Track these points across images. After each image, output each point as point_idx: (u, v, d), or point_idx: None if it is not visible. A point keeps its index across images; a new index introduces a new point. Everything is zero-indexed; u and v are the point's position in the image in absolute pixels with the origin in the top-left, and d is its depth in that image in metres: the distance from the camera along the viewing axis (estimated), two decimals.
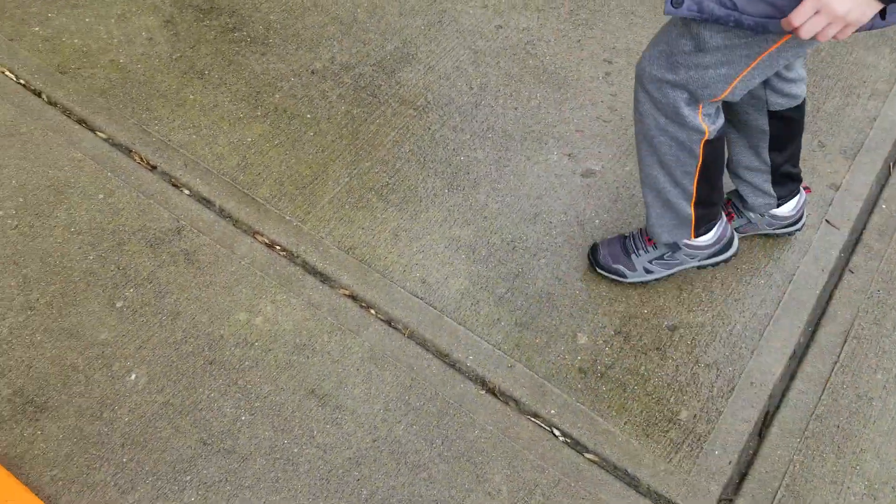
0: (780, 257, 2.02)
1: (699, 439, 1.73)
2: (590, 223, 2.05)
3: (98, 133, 2.11)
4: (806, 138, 2.20)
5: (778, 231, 1.99)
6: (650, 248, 1.89)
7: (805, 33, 1.25)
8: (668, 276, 1.94)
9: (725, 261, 1.91)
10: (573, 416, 1.75)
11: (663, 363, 1.84)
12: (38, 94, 2.17)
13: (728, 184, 2.11)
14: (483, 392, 1.76)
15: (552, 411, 1.75)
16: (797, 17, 1.23)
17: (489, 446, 1.69)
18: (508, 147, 2.19)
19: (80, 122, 2.13)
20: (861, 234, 2.08)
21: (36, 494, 1.55)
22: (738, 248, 1.93)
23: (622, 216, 2.07)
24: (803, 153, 1.95)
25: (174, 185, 2.04)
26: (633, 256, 1.91)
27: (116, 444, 1.64)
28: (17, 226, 1.92)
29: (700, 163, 1.65)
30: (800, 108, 1.74)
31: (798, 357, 1.88)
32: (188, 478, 1.61)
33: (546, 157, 2.17)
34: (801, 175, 1.90)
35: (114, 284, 1.85)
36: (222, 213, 2.00)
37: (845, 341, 1.89)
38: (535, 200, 2.09)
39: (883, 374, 1.84)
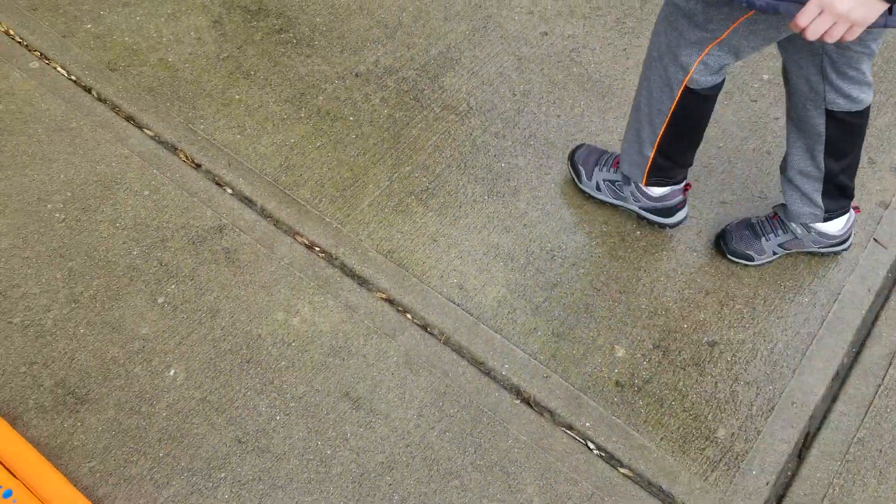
0: (826, 275, 1.97)
1: (737, 458, 1.70)
2: (630, 234, 2.03)
3: (145, 130, 2.14)
4: None
5: (824, 250, 1.95)
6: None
7: (812, 34, 1.24)
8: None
9: (663, 225, 2.00)
10: (608, 429, 1.73)
11: (702, 379, 1.81)
12: (89, 91, 2.21)
13: (771, 196, 2.07)
14: (518, 402, 1.75)
15: (587, 424, 1.73)
16: (803, 18, 1.23)
17: (522, 457, 1.68)
18: (550, 155, 2.17)
19: (129, 119, 2.16)
20: None
21: (74, 485, 1.58)
22: (680, 221, 2.00)
23: (663, 228, 2.05)
24: None
25: (217, 183, 2.06)
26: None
27: (153, 439, 1.66)
28: (64, 219, 1.96)
29: (673, 107, 1.68)
30: (861, 115, 1.68)
31: (841, 378, 1.84)
32: (222, 475, 1.63)
33: None
34: (854, 192, 1.85)
35: (156, 280, 1.88)
36: (263, 212, 2.02)
37: (890, 363, 1.84)
38: (575, 209, 2.07)
39: None
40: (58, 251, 1.90)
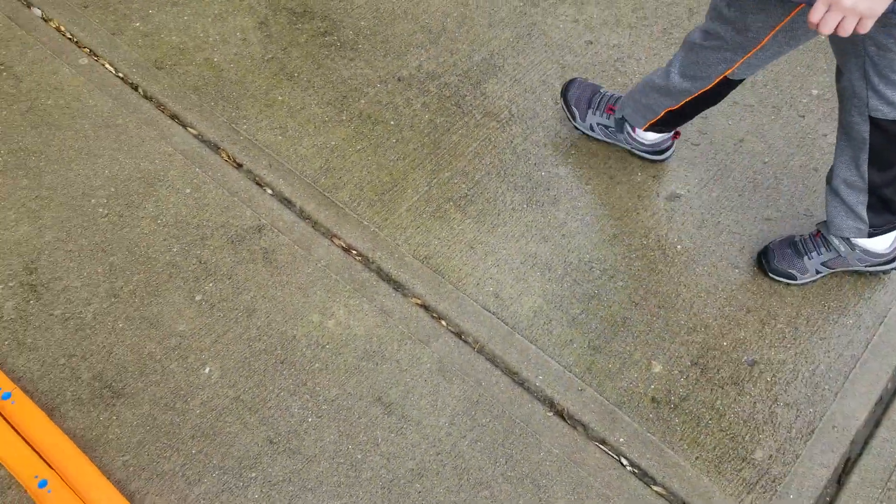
0: (872, 297, 1.92)
1: (774, 481, 1.66)
2: (671, 248, 2.00)
3: (189, 129, 2.17)
4: None
5: (870, 269, 1.90)
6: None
7: (826, 28, 1.29)
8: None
9: (652, 161, 2.14)
10: (642, 445, 1.70)
11: (740, 399, 1.78)
12: (135, 88, 2.24)
13: (817, 214, 2.02)
14: (551, 414, 1.73)
15: (621, 439, 1.70)
16: (813, 15, 1.28)
17: (554, 470, 1.66)
18: (592, 165, 2.15)
19: (173, 117, 2.19)
20: None
21: (107, 478, 1.59)
22: (666, 158, 2.13)
23: (706, 243, 2.01)
24: None
25: (258, 183, 2.07)
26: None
27: (187, 436, 1.67)
28: (107, 214, 1.98)
29: (704, 91, 1.77)
30: None
31: (884, 403, 1.78)
32: (253, 474, 1.63)
33: (630, 178, 2.13)
34: None
35: (194, 278, 1.89)
36: (302, 214, 2.03)
37: None
38: (615, 221, 2.05)
39: None
40: (100, 246, 1.93)
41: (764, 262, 1.95)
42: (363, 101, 2.27)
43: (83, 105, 2.18)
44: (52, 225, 1.95)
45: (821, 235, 1.89)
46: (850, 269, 1.91)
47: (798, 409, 1.77)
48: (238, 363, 1.77)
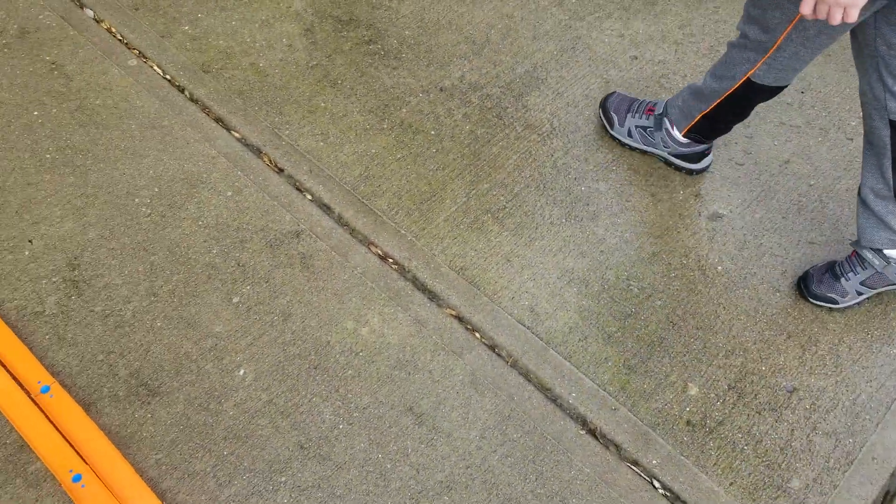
0: None
1: None
2: (711, 269, 1.97)
3: (233, 132, 2.19)
4: None
5: None
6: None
7: (820, 14, 1.35)
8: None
9: (690, 171, 2.12)
10: (676, 469, 1.67)
11: (778, 426, 1.74)
12: (182, 91, 2.28)
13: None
14: (583, 432, 1.71)
15: (654, 461, 1.68)
16: (804, 7, 1.36)
17: (584, 489, 1.64)
18: (633, 181, 2.13)
19: (218, 120, 2.21)
20: None
21: (140, 476, 1.61)
22: (706, 167, 2.12)
23: (748, 265, 1.98)
24: None
25: (298, 189, 2.09)
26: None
27: (219, 437, 1.68)
28: (150, 214, 2.01)
29: (731, 92, 1.81)
30: None
31: None
32: (283, 479, 1.64)
33: (671, 196, 2.10)
34: None
35: (232, 280, 1.91)
36: (340, 220, 2.04)
37: None
38: (655, 239, 2.02)
39: None
40: (142, 245, 1.96)
41: (803, 286, 1.91)
42: (405, 110, 2.28)
43: (131, 105, 2.22)
44: (96, 222, 1.98)
45: (856, 254, 1.86)
46: (890, 287, 1.86)
47: (837, 439, 1.73)
48: (272, 367, 1.78)
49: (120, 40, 2.38)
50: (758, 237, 2.03)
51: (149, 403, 1.72)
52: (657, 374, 1.80)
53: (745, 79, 1.76)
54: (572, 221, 2.06)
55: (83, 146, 2.12)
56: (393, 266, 1.96)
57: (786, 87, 1.77)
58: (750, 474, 1.67)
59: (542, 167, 2.16)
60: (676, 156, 2.11)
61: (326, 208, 2.06)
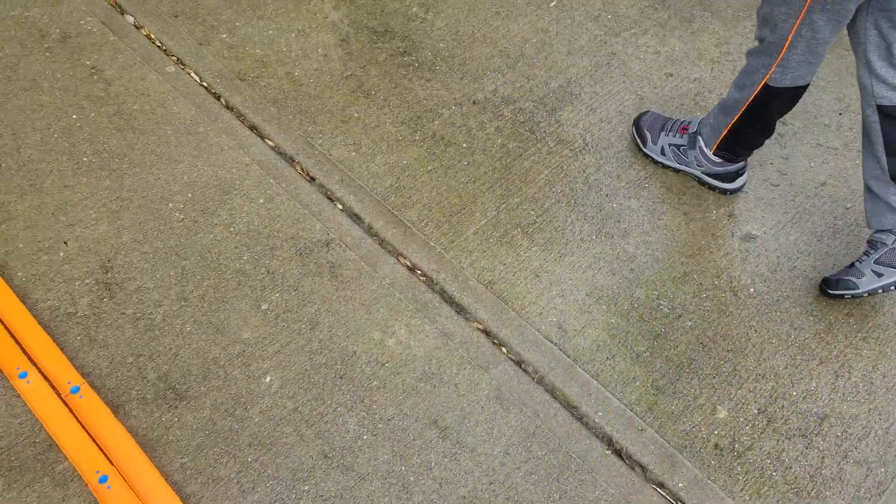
0: None
1: None
2: (743, 291, 1.94)
3: (267, 140, 2.21)
4: None
5: None
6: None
7: None
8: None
9: (724, 191, 2.10)
10: (702, 492, 1.64)
11: (808, 452, 1.71)
12: (218, 98, 2.30)
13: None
14: (608, 452, 1.70)
15: (680, 484, 1.65)
16: None
17: None
18: (665, 199, 2.11)
19: (252, 128, 2.24)
20: None
21: (165, 479, 1.62)
22: (740, 187, 2.09)
23: (780, 288, 1.95)
24: None
25: (329, 198, 2.10)
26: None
27: (244, 443, 1.69)
28: (183, 219, 2.03)
29: (751, 100, 1.81)
30: None
31: None
32: (306, 488, 1.64)
33: (704, 215, 2.08)
34: None
35: (262, 287, 1.92)
36: (370, 230, 2.04)
37: None
38: (686, 259, 2.00)
39: None
40: (174, 249, 1.98)
41: (823, 286, 1.93)
42: (437, 122, 2.28)
43: (167, 111, 2.25)
44: (130, 226, 2.01)
45: (869, 244, 1.87)
46: None
47: (868, 468, 1.69)
48: (298, 375, 1.79)
49: (159, 47, 2.42)
50: (792, 260, 2.00)
51: (176, 407, 1.73)
52: (685, 395, 1.78)
53: (762, 84, 1.78)
54: (603, 238, 2.04)
55: (120, 150, 2.16)
56: (421, 278, 1.96)
57: (805, 87, 1.78)
58: (778, 501, 1.64)
59: (573, 183, 2.15)
60: (710, 175, 2.08)
61: (357, 218, 2.06)
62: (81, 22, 2.45)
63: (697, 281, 1.96)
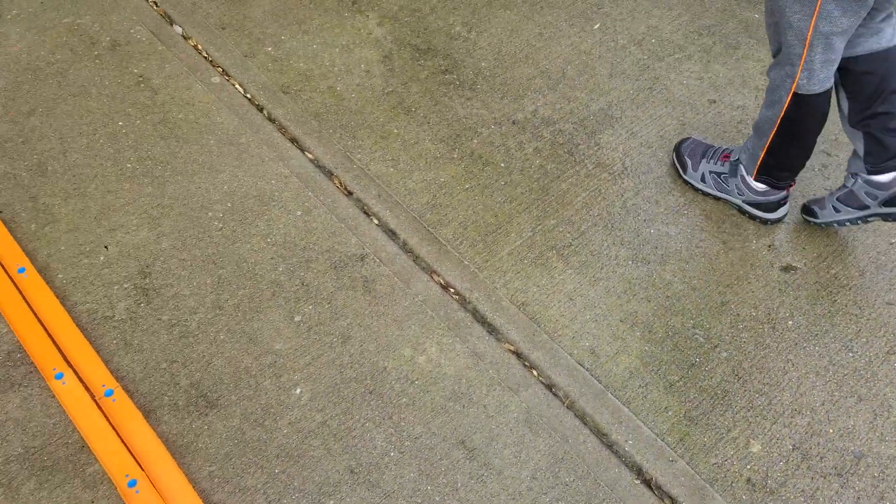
0: None
1: None
2: (782, 323, 1.91)
3: (307, 153, 2.23)
4: None
5: (883, 210, 1.89)
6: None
7: None
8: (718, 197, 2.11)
9: (765, 220, 2.07)
10: None
11: (843, 492, 1.67)
12: (261, 110, 2.33)
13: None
14: (638, 482, 1.67)
15: None
16: None
17: None
18: (704, 227, 2.09)
19: (293, 140, 2.26)
20: None
21: (192, 487, 1.63)
22: (781, 217, 2.07)
23: (819, 321, 1.91)
24: None
25: (365, 213, 2.11)
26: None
27: (272, 454, 1.69)
28: (221, 228, 2.06)
29: (783, 114, 1.80)
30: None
31: None
32: (331, 502, 1.64)
33: (744, 245, 2.05)
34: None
35: (296, 298, 1.93)
36: (405, 247, 2.05)
37: None
38: (724, 288, 1.97)
39: None
40: (211, 258, 2.00)
41: (806, 215, 2.08)
42: (476, 141, 2.28)
43: (211, 121, 2.28)
44: (169, 233, 2.04)
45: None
46: (866, 212, 1.91)
47: None
48: (328, 388, 1.79)
49: (205, 58, 2.46)
50: (832, 294, 1.96)
51: (206, 415, 1.75)
52: (719, 427, 1.75)
53: (791, 94, 1.77)
54: (639, 264, 2.02)
55: (163, 158, 2.19)
56: (454, 296, 1.96)
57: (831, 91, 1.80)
58: None
59: (611, 206, 2.14)
60: (751, 204, 2.06)
61: (392, 234, 2.07)
62: (131, 31, 2.51)
63: (735, 311, 1.93)
